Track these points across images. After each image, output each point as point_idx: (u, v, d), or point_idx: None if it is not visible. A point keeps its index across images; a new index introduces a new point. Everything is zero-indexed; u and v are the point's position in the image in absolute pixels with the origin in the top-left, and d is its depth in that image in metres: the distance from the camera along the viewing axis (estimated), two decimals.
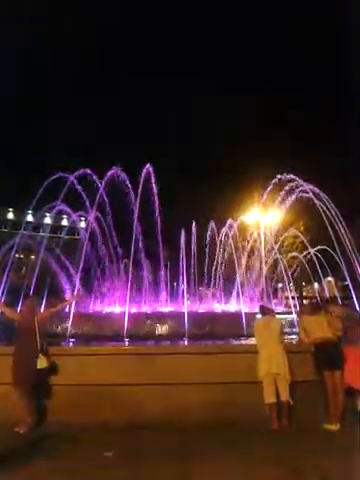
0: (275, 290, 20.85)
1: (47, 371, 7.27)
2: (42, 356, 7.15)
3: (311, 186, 17.99)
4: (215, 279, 20.94)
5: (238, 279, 16.15)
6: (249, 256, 22.75)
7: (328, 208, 17.17)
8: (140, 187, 16.66)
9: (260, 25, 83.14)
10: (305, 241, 18.64)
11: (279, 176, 20.01)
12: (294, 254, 22.00)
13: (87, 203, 18.07)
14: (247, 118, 59.66)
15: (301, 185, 18.62)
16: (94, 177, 17.39)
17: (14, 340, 7.43)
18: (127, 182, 17.68)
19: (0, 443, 6.34)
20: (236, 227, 21.03)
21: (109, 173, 16.94)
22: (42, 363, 7.12)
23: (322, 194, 17.43)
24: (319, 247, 18.23)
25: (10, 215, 72.43)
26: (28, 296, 8.88)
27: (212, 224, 21.67)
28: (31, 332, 7.27)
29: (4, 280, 15.74)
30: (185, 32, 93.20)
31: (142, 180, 17.02)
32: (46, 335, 7.62)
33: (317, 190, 17.65)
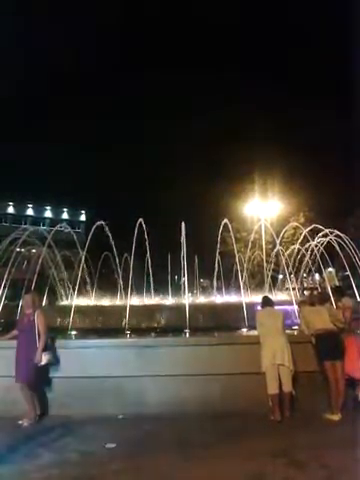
0: (274, 280, 20.82)
1: (49, 365, 7.32)
2: (43, 352, 7.17)
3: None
4: (216, 271, 20.95)
5: (239, 271, 16.11)
6: (249, 247, 22.76)
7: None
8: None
9: (261, 26, 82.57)
10: (306, 233, 18.57)
11: None
12: (295, 246, 21.99)
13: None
14: (248, 114, 59.26)
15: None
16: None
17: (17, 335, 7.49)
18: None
19: (3, 436, 6.41)
20: (236, 219, 21.01)
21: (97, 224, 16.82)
22: (43, 359, 7.14)
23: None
24: (320, 239, 18.19)
25: (10, 209, 72.45)
26: (28, 291, 8.89)
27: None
28: (31, 328, 7.28)
29: (6, 275, 15.70)
30: (184, 32, 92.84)
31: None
32: (49, 330, 7.62)
33: None
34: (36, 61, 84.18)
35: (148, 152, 72.40)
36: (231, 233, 18.73)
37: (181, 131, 71.81)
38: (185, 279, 16.13)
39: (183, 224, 16.70)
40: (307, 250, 17.89)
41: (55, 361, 7.50)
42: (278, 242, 20.68)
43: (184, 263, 15.87)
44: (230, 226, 17.62)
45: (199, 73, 76.94)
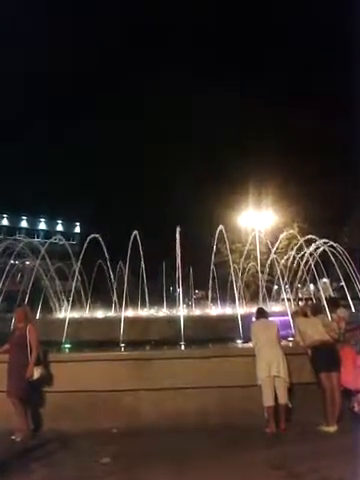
0: (269, 291, 20.83)
1: (42, 379, 7.23)
2: (35, 366, 7.10)
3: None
4: (210, 282, 20.95)
5: (234, 281, 16.10)
6: (244, 258, 22.77)
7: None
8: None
9: (261, 26, 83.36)
10: (302, 242, 18.62)
11: None
12: (291, 252, 22.06)
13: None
14: (248, 119, 59.42)
15: None
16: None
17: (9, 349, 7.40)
18: None
19: None
20: (231, 230, 21.04)
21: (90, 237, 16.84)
22: (35, 373, 7.07)
23: None
24: (313, 248, 18.24)
25: (4, 221, 72.32)
26: (20, 305, 8.85)
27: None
28: (23, 342, 7.21)
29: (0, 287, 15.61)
30: (185, 32, 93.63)
31: None
32: (42, 344, 7.57)
33: None
34: (37, 61, 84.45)
35: (146, 155, 72.37)
36: (226, 243, 18.75)
37: (178, 134, 71.94)
38: (180, 290, 16.09)
39: (177, 235, 16.72)
40: (302, 258, 17.91)
41: (48, 375, 7.42)
42: (273, 251, 20.68)
43: (179, 274, 15.83)
44: (225, 236, 17.59)
45: (199, 75, 77.52)
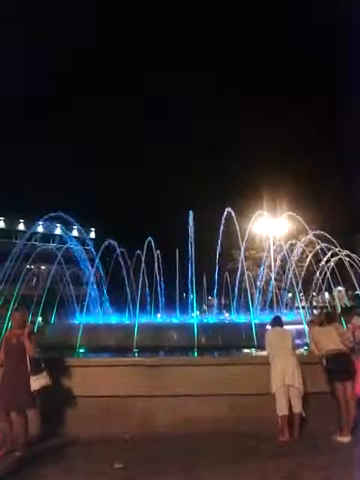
0: (283, 299, 20.71)
1: (46, 388, 6.66)
2: (35, 376, 6.50)
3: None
4: (224, 289, 20.91)
5: (248, 288, 16.05)
6: (259, 266, 22.72)
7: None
8: None
9: (261, 26, 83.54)
10: (317, 250, 18.50)
11: None
12: (304, 263, 21.91)
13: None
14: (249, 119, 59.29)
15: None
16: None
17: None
18: None
19: (9, 457, 6.34)
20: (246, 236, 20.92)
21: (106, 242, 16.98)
22: (36, 384, 6.48)
23: None
24: (329, 256, 18.12)
25: (21, 226, 73.00)
26: (18, 308, 8.48)
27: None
28: (23, 349, 6.60)
29: (16, 291, 15.80)
30: (186, 32, 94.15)
31: None
32: (42, 349, 7.29)
33: None
34: (36, 61, 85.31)
35: (154, 155, 72.50)
36: (240, 250, 18.72)
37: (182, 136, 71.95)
38: (194, 297, 16.09)
39: (191, 242, 16.75)
40: (318, 266, 17.80)
41: (61, 380, 7.35)
42: (288, 257, 20.57)
43: (192, 278, 15.82)
44: (241, 243, 17.51)
45: (200, 79, 77.77)
